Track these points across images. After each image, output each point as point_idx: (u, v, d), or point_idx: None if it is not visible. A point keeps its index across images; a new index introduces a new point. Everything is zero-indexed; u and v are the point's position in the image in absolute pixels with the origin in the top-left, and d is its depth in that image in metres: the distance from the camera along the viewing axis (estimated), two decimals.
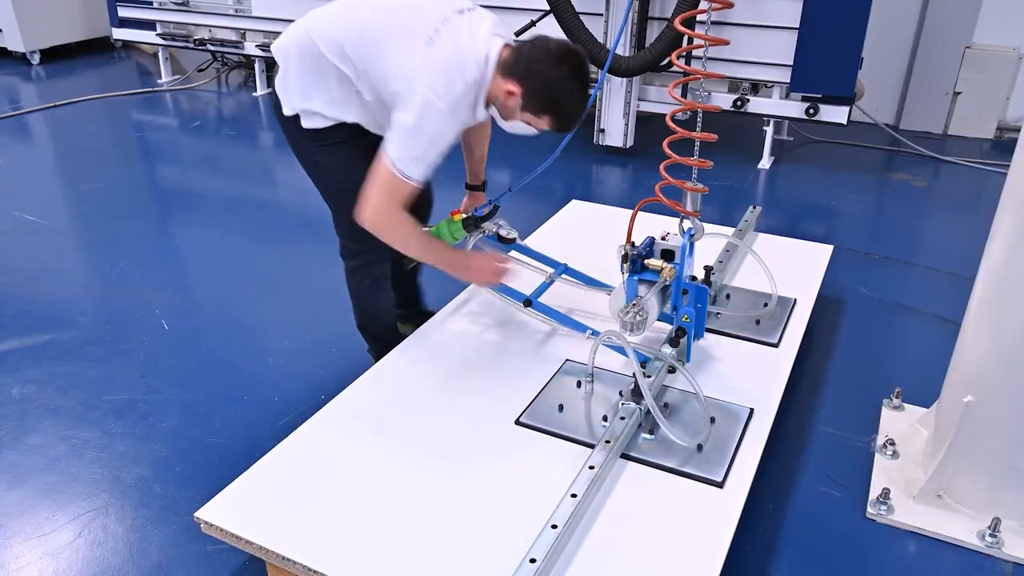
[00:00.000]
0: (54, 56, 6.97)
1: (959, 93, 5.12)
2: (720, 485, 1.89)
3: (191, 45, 6.13)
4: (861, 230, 3.96)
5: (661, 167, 2.20)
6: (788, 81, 4.32)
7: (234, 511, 1.80)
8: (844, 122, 4.37)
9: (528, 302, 2.43)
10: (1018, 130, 1.87)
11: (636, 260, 2.12)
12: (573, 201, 3.56)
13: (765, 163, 4.69)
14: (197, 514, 1.79)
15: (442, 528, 1.76)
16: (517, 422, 2.10)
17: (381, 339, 2.55)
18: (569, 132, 2.17)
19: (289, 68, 2.19)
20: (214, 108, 6.07)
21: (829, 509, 2.15)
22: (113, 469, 2.29)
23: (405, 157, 2.02)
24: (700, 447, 1.98)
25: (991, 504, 2.04)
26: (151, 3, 6.16)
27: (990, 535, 1.98)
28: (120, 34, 6.49)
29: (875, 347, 2.90)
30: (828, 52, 4.17)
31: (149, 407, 2.56)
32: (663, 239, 2.17)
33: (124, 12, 6.29)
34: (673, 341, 2.22)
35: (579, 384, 2.20)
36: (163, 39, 6.24)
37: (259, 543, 1.72)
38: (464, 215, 2.46)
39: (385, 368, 2.34)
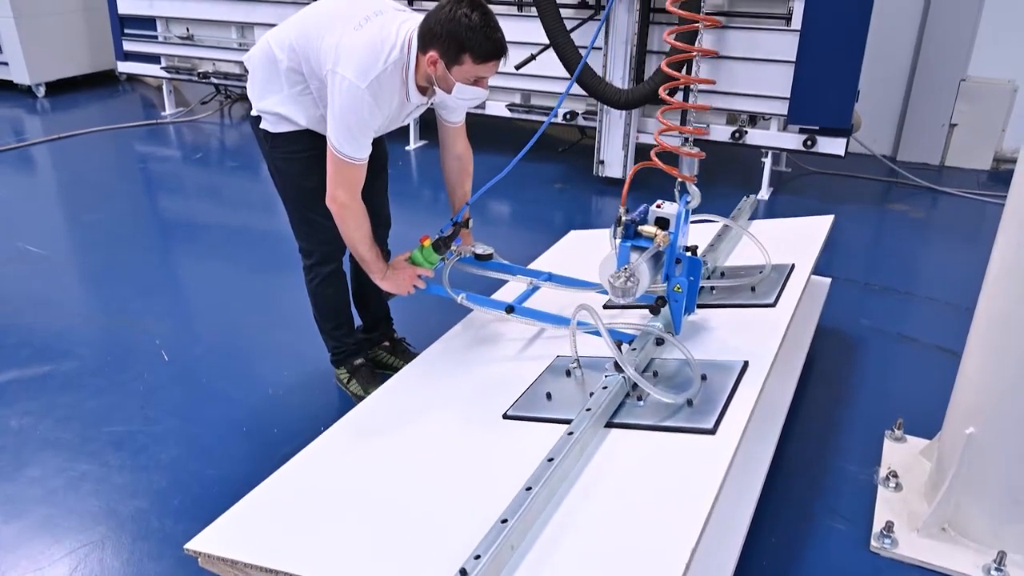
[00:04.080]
0: (59, 88, 7.05)
1: (955, 125, 5.16)
2: (712, 432, 1.82)
3: (195, 78, 6.21)
4: (860, 261, 3.97)
5: (656, 134, 2.19)
6: (786, 113, 4.37)
7: (225, 541, 1.77)
8: (842, 153, 4.41)
9: (510, 308, 2.42)
10: (1014, 161, 1.89)
11: (630, 226, 2.08)
12: (572, 232, 3.57)
13: (764, 194, 4.72)
14: (187, 546, 1.77)
15: (430, 540, 1.70)
16: (505, 416, 2.07)
17: (331, 335, 2.71)
18: (496, 58, 2.15)
19: (253, 73, 2.40)
20: (217, 140, 6.13)
21: (832, 542, 2.13)
22: (111, 502, 2.28)
23: (340, 138, 2.19)
24: (690, 402, 1.92)
25: (996, 538, 2.02)
26: (156, 37, 6.25)
27: (996, 569, 1.96)
28: (125, 67, 6.58)
29: (876, 378, 2.89)
30: (825, 85, 4.22)
31: (148, 439, 2.55)
32: (658, 207, 2.13)
33: (129, 46, 6.38)
34: (653, 309, 2.18)
35: (568, 373, 2.16)
36: (167, 72, 6.32)
37: (251, 562, 1.68)
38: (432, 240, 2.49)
39: (379, 398, 2.32)
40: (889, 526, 2.08)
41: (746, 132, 4.52)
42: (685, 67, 4.04)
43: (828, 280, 3.15)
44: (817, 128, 4.37)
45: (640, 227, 2.10)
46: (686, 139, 2.18)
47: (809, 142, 4.39)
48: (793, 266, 2.64)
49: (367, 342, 2.86)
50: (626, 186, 2.16)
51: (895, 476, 2.28)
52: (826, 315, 3.02)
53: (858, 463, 2.41)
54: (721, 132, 4.57)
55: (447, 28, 2.08)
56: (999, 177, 5.06)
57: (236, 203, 4.89)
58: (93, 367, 2.95)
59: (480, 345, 2.54)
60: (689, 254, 2.18)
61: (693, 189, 2.20)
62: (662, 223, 2.12)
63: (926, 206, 4.66)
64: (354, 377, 2.72)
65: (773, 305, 2.41)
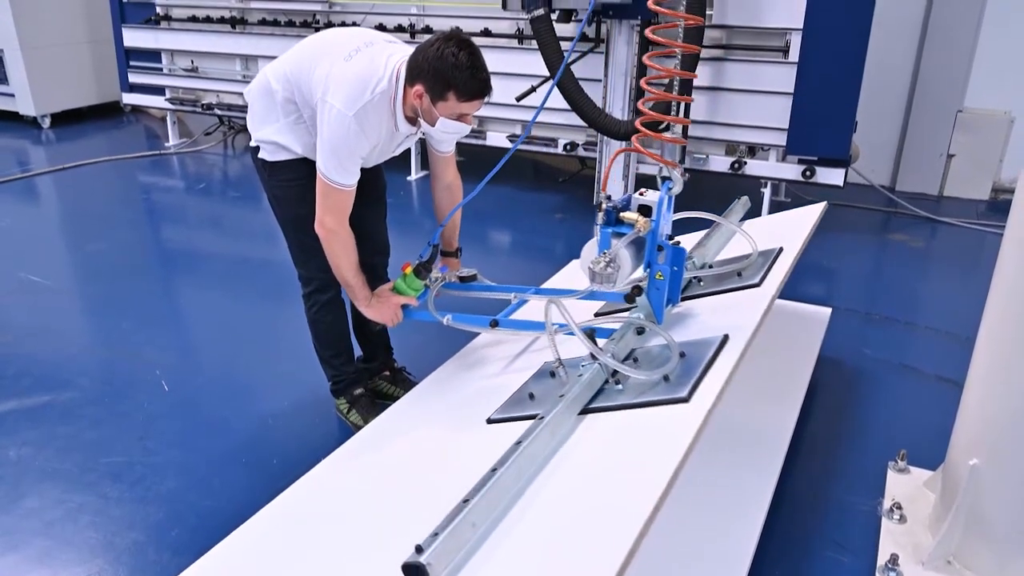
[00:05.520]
0: (64, 120, 7.12)
1: (953, 155, 5.20)
2: (686, 400, 1.78)
3: (199, 109, 6.27)
4: (860, 291, 3.98)
5: (638, 122, 2.18)
6: (784, 144, 4.40)
7: (218, 573, 1.74)
8: (841, 184, 4.43)
9: (495, 323, 2.41)
10: (1013, 191, 1.90)
11: (611, 212, 2.07)
12: (573, 261, 3.58)
13: None
14: None
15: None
16: (489, 421, 2.05)
17: (330, 364, 2.73)
18: (480, 97, 2.18)
19: (252, 105, 2.48)
20: (219, 170, 6.17)
21: (837, 575, 2.10)
22: (108, 534, 2.26)
23: (328, 165, 2.24)
24: (667, 378, 1.88)
25: (1001, 571, 1.99)
26: (161, 69, 6.33)
27: None
28: (130, 99, 6.66)
29: (879, 408, 2.88)
30: (823, 116, 4.26)
31: (147, 469, 2.54)
32: (641, 195, 2.12)
33: (134, 78, 6.46)
34: (628, 298, 2.16)
35: (552, 374, 2.12)
36: (171, 104, 6.39)
37: None
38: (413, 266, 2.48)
39: (374, 429, 2.31)
40: (894, 559, 2.06)
41: (745, 163, 4.55)
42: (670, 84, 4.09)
43: (829, 310, 3.15)
44: (816, 159, 4.40)
45: (622, 214, 2.09)
46: (668, 126, 2.17)
47: (808, 172, 4.42)
48: (781, 249, 2.60)
49: (367, 371, 2.85)
50: (607, 170, 2.16)
51: (899, 508, 2.27)
52: (827, 345, 3.02)
53: (861, 495, 2.39)
54: (720, 162, 4.61)
55: (434, 65, 2.12)
56: (998, 207, 5.08)
57: (238, 233, 4.91)
58: (93, 397, 2.95)
59: (475, 366, 2.54)
60: (671, 243, 2.15)
61: (675, 175, 2.15)
62: (644, 211, 2.10)
63: (925, 236, 4.67)
64: (354, 407, 2.71)
65: (758, 285, 2.37)
